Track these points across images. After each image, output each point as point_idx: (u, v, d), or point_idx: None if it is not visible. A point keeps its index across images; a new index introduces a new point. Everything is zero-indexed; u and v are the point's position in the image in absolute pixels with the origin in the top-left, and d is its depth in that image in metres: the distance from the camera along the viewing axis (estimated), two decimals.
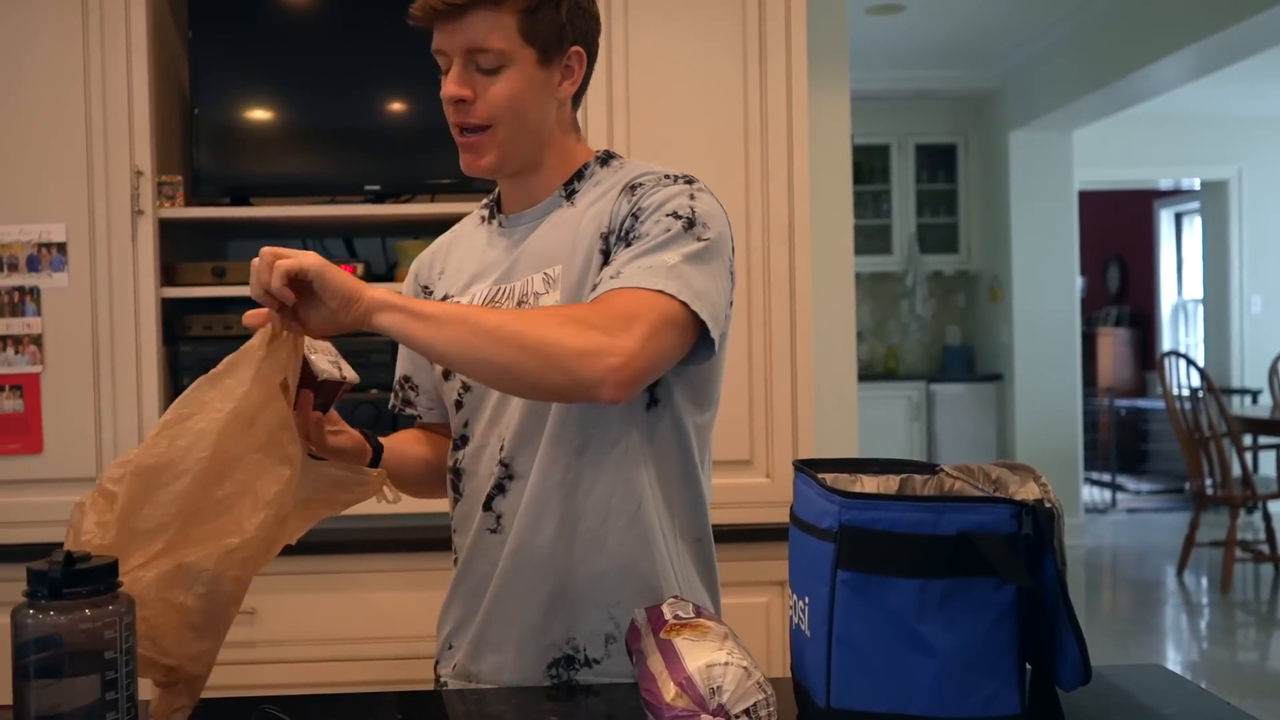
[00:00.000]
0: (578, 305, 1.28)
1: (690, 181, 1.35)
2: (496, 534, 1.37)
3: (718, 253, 1.30)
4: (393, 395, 1.58)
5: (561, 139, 1.40)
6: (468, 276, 1.43)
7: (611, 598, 1.34)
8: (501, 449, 1.36)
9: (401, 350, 1.56)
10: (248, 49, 2.55)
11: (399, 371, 1.57)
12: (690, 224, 1.29)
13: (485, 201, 1.51)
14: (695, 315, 1.24)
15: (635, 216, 1.30)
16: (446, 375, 1.43)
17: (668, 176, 1.35)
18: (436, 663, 1.47)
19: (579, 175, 1.40)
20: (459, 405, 1.41)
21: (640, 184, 1.34)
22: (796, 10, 2.42)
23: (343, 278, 1.14)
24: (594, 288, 1.29)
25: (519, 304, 1.36)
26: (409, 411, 1.57)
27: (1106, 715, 1.13)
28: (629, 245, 1.29)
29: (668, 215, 1.29)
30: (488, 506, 1.37)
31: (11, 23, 2.36)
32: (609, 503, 1.33)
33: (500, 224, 1.44)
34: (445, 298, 1.45)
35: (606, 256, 1.31)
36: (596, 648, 1.35)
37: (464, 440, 1.41)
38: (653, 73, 2.42)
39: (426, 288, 1.50)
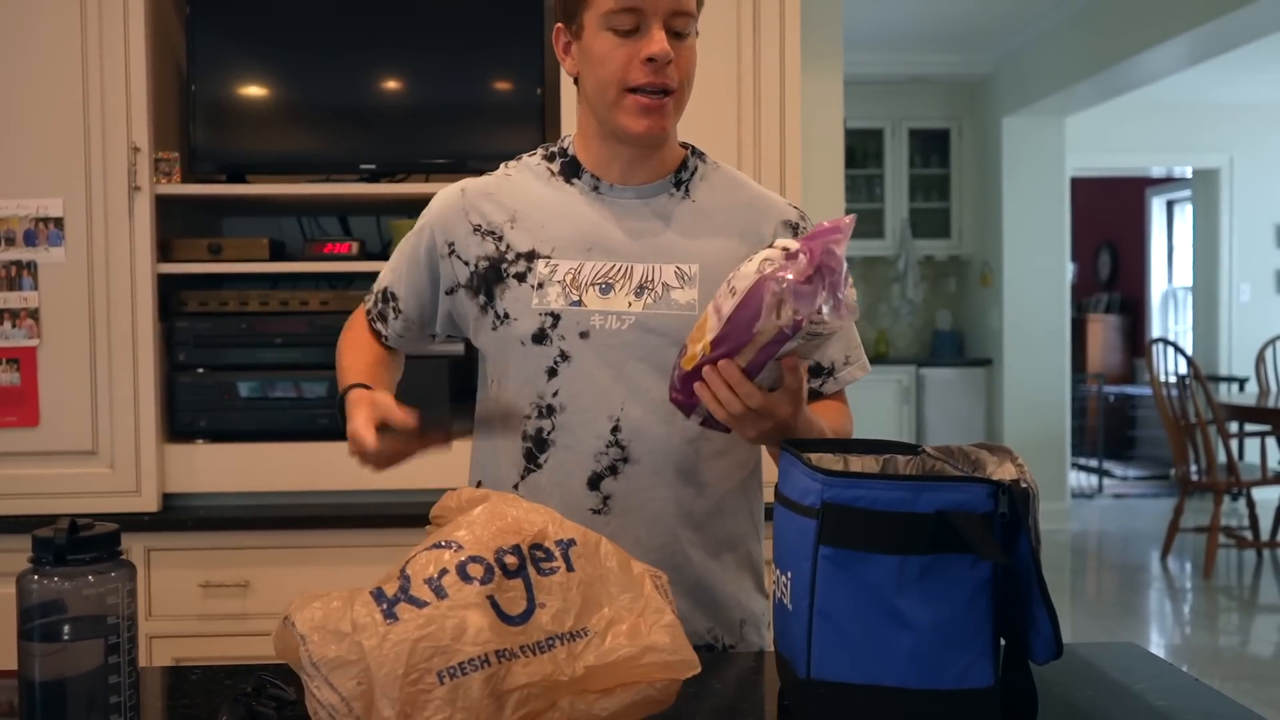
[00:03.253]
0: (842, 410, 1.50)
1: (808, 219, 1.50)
2: (601, 514, 1.36)
3: None
4: (372, 298, 1.52)
5: None
6: (568, 239, 1.39)
7: (732, 580, 1.42)
8: (616, 429, 1.35)
9: (396, 262, 1.49)
10: (245, 26, 2.56)
11: (387, 281, 1.50)
12: None
13: (546, 153, 1.46)
14: None
15: None
16: (537, 339, 1.36)
17: (799, 212, 1.50)
18: None
19: (683, 165, 1.44)
20: (551, 373, 1.36)
21: (798, 226, 1.47)
22: None
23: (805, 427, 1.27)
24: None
25: (639, 288, 1.36)
26: (377, 326, 1.51)
27: (1078, 689, 1.16)
28: None
29: None
30: (594, 486, 1.36)
31: None
32: (723, 488, 1.41)
33: (599, 190, 1.41)
34: (532, 253, 1.39)
35: None
36: (733, 634, 1.43)
37: (549, 410, 1.36)
38: None
39: (487, 230, 1.41)
